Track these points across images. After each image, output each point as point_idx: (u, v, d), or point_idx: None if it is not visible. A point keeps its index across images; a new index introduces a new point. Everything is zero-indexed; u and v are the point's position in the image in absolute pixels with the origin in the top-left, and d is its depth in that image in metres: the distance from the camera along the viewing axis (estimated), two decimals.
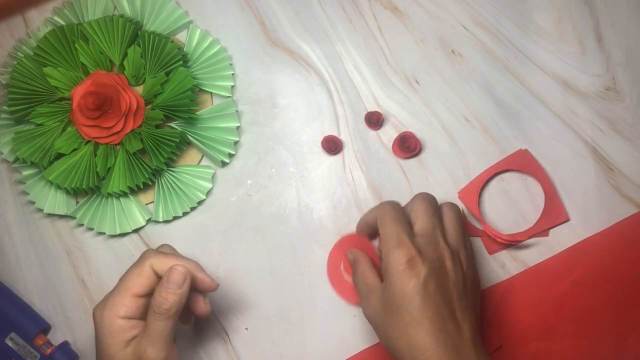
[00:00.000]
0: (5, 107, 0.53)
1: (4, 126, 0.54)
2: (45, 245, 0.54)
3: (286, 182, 0.53)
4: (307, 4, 0.55)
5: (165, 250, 0.46)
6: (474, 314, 0.43)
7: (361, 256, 0.47)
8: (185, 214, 0.53)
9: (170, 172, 0.53)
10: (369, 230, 0.49)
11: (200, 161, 0.54)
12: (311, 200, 0.53)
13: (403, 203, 0.52)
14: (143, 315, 0.43)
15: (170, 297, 0.42)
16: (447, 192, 0.52)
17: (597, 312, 0.49)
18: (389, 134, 0.53)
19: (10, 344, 0.51)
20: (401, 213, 0.45)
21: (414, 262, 0.42)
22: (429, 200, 0.46)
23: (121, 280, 0.44)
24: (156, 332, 0.42)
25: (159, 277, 0.43)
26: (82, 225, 0.53)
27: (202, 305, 0.46)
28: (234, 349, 0.52)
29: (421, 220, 0.45)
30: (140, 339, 0.42)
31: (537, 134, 0.52)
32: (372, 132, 0.53)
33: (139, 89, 0.53)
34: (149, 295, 0.43)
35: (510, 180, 0.52)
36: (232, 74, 0.54)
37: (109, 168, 0.52)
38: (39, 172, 0.53)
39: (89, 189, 0.52)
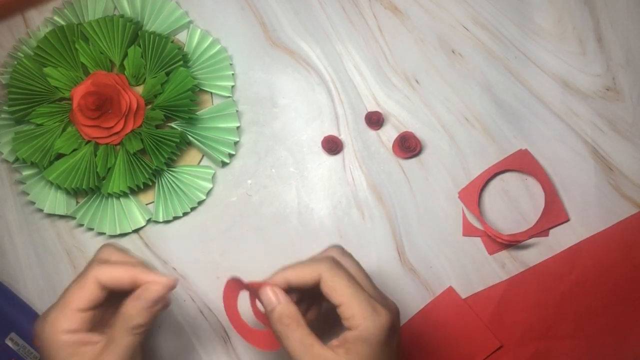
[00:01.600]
0: (5, 107, 0.53)
1: (4, 126, 0.54)
2: (45, 245, 0.54)
3: (286, 182, 0.53)
4: (307, 4, 0.55)
5: (111, 257, 0.43)
6: None
7: (297, 322, 0.40)
8: (185, 214, 0.53)
9: (170, 172, 0.53)
10: (289, 288, 0.41)
11: (200, 161, 0.54)
12: (311, 200, 0.53)
13: (404, 203, 0.52)
14: (90, 329, 0.41)
15: (144, 312, 0.39)
16: (447, 192, 0.52)
17: (597, 312, 0.49)
18: (389, 133, 0.53)
19: (10, 344, 0.51)
20: (350, 274, 0.40)
21: (393, 329, 0.39)
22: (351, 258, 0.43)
23: (63, 293, 0.41)
24: (122, 348, 0.39)
25: (105, 290, 0.41)
26: (82, 225, 0.53)
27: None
28: (233, 348, 0.52)
29: (364, 283, 0.41)
30: (103, 355, 0.39)
31: (537, 134, 0.52)
32: (372, 132, 0.53)
33: (139, 89, 0.53)
34: (93, 309, 0.41)
35: (510, 180, 0.52)
36: (232, 74, 0.54)
37: (109, 168, 0.52)
38: (39, 172, 0.53)
39: (89, 189, 0.51)
